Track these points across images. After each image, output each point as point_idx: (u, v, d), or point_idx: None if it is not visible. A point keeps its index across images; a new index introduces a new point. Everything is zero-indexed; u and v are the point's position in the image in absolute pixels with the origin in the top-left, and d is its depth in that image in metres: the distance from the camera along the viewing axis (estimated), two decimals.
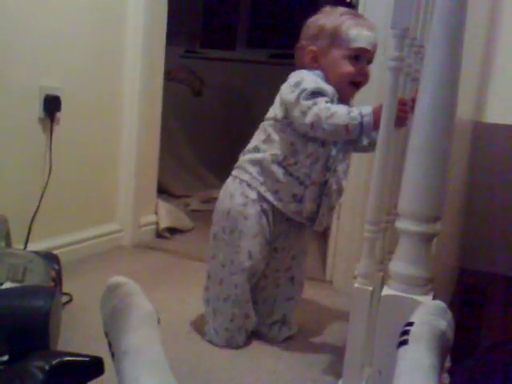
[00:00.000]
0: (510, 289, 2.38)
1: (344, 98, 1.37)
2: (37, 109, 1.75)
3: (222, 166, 3.56)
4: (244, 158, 1.41)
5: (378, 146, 1.14)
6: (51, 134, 1.79)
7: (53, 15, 1.76)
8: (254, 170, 1.38)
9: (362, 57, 1.35)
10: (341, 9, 1.38)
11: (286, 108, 1.32)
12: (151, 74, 2.20)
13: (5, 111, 1.66)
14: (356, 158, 1.71)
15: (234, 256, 1.39)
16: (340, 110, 1.25)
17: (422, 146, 1.00)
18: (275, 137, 1.36)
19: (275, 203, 1.38)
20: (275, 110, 1.37)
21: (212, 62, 4.29)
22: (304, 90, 1.28)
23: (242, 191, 1.38)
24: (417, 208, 1.01)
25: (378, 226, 1.15)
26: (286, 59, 3.83)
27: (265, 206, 1.38)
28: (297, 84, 1.30)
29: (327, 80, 1.35)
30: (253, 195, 1.37)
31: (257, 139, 1.40)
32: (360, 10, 1.81)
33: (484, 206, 2.55)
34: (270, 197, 1.37)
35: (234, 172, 1.43)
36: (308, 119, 1.26)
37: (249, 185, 1.38)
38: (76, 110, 1.90)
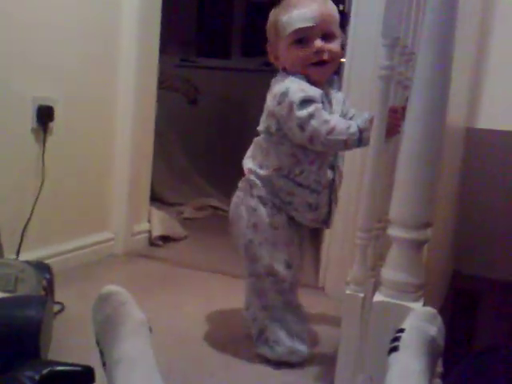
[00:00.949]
0: (503, 293, 2.38)
1: (317, 83, 1.31)
2: (30, 119, 1.75)
3: (216, 174, 3.59)
4: (250, 168, 1.37)
5: (369, 153, 1.14)
6: (44, 144, 1.79)
7: (46, 26, 1.76)
8: (264, 186, 1.35)
9: (306, 37, 1.29)
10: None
11: (278, 120, 1.30)
12: (145, 83, 2.20)
13: None
14: (348, 164, 1.71)
15: (271, 267, 1.35)
16: (339, 124, 1.23)
17: (413, 153, 1.00)
18: (274, 151, 1.33)
19: (292, 214, 1.36)
20: (267, 123, 1.33)
21: (207, 71, 4.31)
22: (292, 102, 1.25)
23: (262, 204, 1.35)
24: (407, 215, 1.01)
25: (369, 233, 1.15)
26: None
27: (286, 216, 1.36)
28: (283, 95, 1.27)
29: (309, 78, 1.31)
30: (274, 208, 1.35)
31: (256, 154, 1.37)
32: (352, 19, 1.82)
33: (477, 210, 2.56)
34: (285, 209, 1.35)
35: (245, 186, 1.38)
36: (306, 134, 1.24)
37: (264, 202, 1.35)
38: (69, 120, 1.90)
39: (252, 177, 1.36)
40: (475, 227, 2.56)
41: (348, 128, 1.23)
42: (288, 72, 1.33)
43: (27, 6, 1.69)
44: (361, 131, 1.22)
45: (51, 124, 1.81)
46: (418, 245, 1.03)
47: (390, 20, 1.11)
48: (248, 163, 1.39)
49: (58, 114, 1.83)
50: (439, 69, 0.98)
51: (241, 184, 1.40)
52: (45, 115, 1.79)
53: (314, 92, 1.28)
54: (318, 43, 1.29)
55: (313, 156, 1.31)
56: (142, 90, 2.18)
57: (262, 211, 1.35)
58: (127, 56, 2.11)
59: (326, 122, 1.23)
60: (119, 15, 2.07)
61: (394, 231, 1.03)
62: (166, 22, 2.30)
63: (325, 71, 1.33)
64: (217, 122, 3.93)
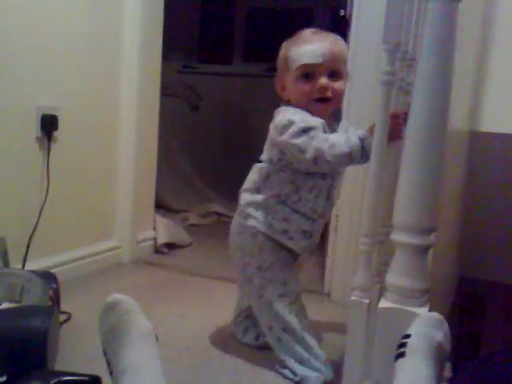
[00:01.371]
0: (510, 297, 2.38)
1: (318, 116, 1.33)
2: (34, 128, 1.76)
3: (221, 180, 3.60)
4: (246, 200, 1.40)
5: (372, 159, 1.14)
6: (48, 153, 1.80)
7: (49, 34, 1.78)
8: (258, 213, 1.37)
9: (313, 73, 1.32)
10: (299, 33, 1.37)
11: (281, 150, 1.32)
12: (148, 90, 2.21)
13: (2, 131, 1.66)
14: (351, 171, 1.71)
15: (276, 289, 1.37)
16: (338, 139, 1.24)
17: (415, 158, 1.00)
18: (274, 177, 1.36)
19: (285, 242, 1.38)
20: (270, 153, 1.36)
21: (209, 77, 4.32)
22: (294, 130, 1.26)
23: (254, 234, 1.38)
24: (411, 220, 1.01)
25: (373, 239, 1.15)
26: None
27: (274, 244, 1.38)
28: (284, 126, 1.28)
29: (311, 112, 1.33)
30: (264, 238, 1.37)
31: (255, 179, 1.39)
32: (353, 23, 1.83)
33: (482, 213, 2.55)
34: (278, 237, 1.37)
35: (240, 218, 1.41)
36: (309, 155, 1.24)
37: (258, 231, 1.37)
38: (73, 128, 1.91)
39: (248, 208, 1.39)
40: (481, 231, 2.55)
41: (348, 139, 1.23)
42: (291, 104, 1.35)
43: (30, 17, 1.70)
44: (362, 139, 1.22)
45: (55, 133, 1.82)
46: (423, 250, 1.02)
47: (391, 25, 1.11)
48: (245, 191, 1.41)
49: (62, 122, 1.84)
50: (440, 74, 0.98)
51: (237, 212, 1.43)
52: (49, 124, 1.80)
53: (316, 122, 1.29)
54: (323, 80, 1.31)
55: (312, 183, 1.34)
56: (146, 97, 2.19)
57: (252, 241, 1.38)
58: (130, 64, 2.12)
59: (326, 139, 1.24)
60: (121, 23, 2.09)
61: (397, 236, 1.03)
62: (168, 28, 2.32)
63: (326, 108, 1.35)
64: (219, 128, 3.95)
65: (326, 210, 1.39)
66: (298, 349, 1.35)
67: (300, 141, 1.25)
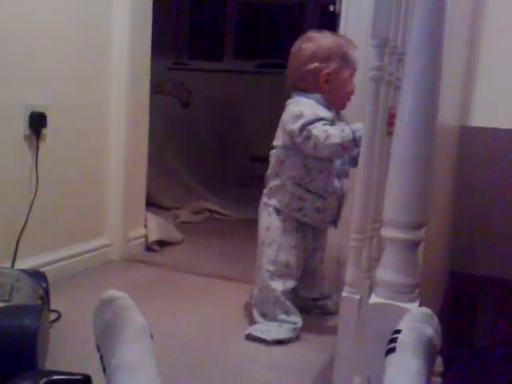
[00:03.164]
0: (502, 291, 2.39)
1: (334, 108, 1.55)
2: (22, 126, 1.75)
3: (211, 177, 3.59)
4: (268, 185, 1.60)
5: (361, 154, 1.14)
6: (37, 151, 1.78)
7: (36, 31, 1.76)
8: (278, 194, 1.57)
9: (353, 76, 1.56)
10: (329, 32, 1.57)
11: (292, 136, 1.48)
12: (138, 87, 2.20)
13: None
14: None
15: (272, 264, 1.56)
16: (334, 131, 1.41)
17: (404, 153, 1.01)
18: (289, 162, 1.53)
19: (301, 218, 1.58)
20: (283, 139, 1.53)
21: (200, 74, 4.31)
22: (302, 123, 1.45)
23: (276, 212, 1.58)
24: (401, 215, 1.01)
25: (363, 235, 1.15)
26: (273, 69, 3.86)
27: (295, 222, 1.58)
28: (297, 117, 1.47)
29: (328, 102, 1.53)
30: (284, 216, 1.57)
31: (273, 165, 1.58)
32: (343, 18, 1.83)
33: (473, 208, 2.57)
34: (295, 215, 1.57)
35: (266, 198, 1.61)
36: (311, 142, 1.43)
37: (277, 209, 1.57)
38: (62, 126, 1.90)
39: (270, 190, 1.59)
40: (472, 226, 2.57)
41: (341, 131, 1.40)
42: (307, 93, 1.54)
43: (16, 14, 1.69)
44: (354, 131, 1.37)
45: (44, 130, 1.81)
46: (413, 245, 1.02)
47: (380, 20, 1.11)
48: (268, 176, 1.60)
49: (50, 120, 1.82)
50: (428, 69, 0.98)
51: (263, 194, 1.63)
52: (37, 122, 1.78)
53: (326, 114, 1.48)
54: None
55: (321, 166, 1.52)
56: (135, 95, 2.18)
57: (275, 217, 1.58)
58: (119, 61, 2.11)
59: (324, 130, 1.42)
60: (110, 20, 2.07)
61: (387, 232, 1.03)
62: (158, 25, 2.30)
63: None
64: (210, 125, 3.94)
65: (337, 186, 1.55)
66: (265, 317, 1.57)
67: (305, 129, 1.44)
